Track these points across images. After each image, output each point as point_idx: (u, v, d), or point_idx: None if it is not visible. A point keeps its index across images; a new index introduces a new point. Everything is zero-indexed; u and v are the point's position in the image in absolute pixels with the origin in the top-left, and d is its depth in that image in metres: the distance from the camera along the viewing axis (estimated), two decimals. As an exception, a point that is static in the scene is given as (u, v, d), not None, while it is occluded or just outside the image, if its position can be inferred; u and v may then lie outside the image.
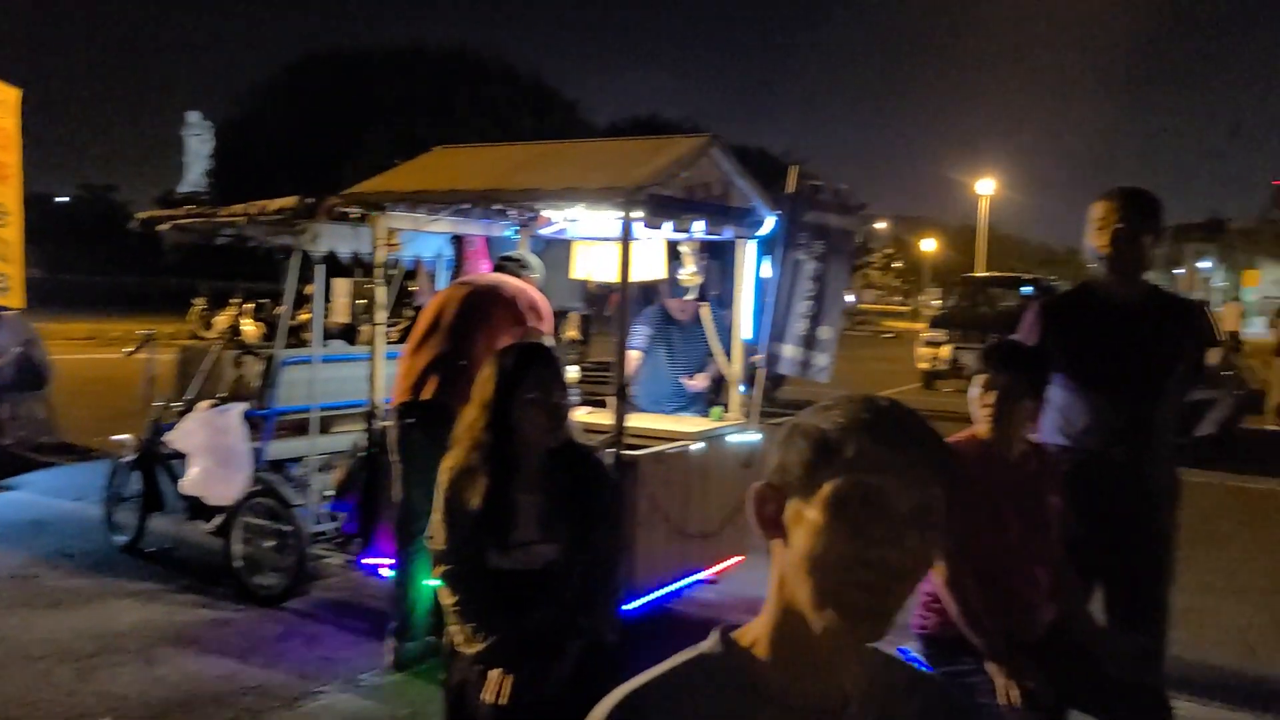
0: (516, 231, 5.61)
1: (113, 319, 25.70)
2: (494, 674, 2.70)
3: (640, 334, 5.56)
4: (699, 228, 4.92)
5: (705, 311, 5.62)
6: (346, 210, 5.22)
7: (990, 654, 2.75)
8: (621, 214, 4.28)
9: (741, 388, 5.32)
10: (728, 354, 5.46)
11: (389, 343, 5.24)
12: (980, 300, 18.26)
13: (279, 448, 5.50)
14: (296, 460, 5.58)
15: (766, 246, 5.22)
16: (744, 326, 5.30)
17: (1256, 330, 28.45)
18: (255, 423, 5.38)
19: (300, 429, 5.53)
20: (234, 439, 5.25)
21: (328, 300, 5.87)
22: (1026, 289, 17.44)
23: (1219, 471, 9.35)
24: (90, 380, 13.43)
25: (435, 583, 2.97)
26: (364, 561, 4.97)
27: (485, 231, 5.67)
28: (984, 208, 44.32)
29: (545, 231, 5.54)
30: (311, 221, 5.30)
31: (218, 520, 5.44)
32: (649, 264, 5.49)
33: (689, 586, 4.86)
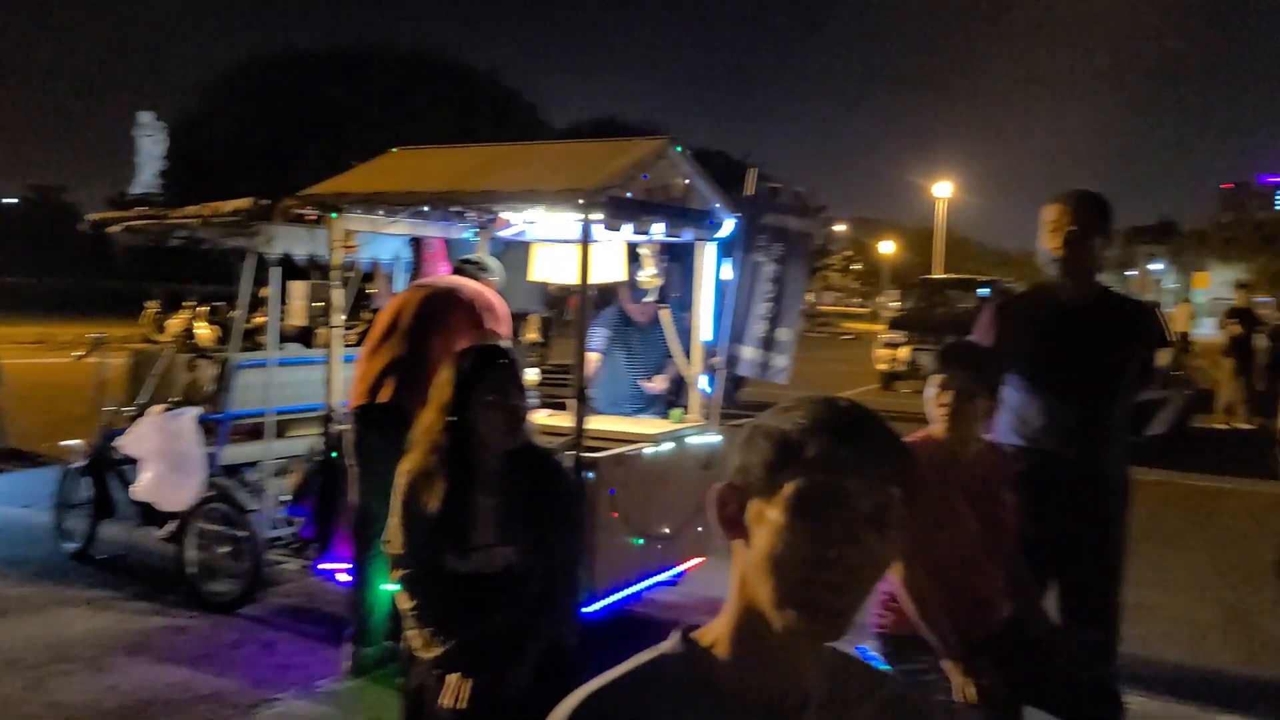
0: (475, 233, 5.58)
1: (62, 322, 25.21)
2: (452, 678, 2.69)
3: (598, 336, 5.55)
4: (658, 230, 4.92)
5: (665, 313, 5.63)
6: (302, 212, 5.16)
7: (946, 652, 2.78)
8: (581, 216, 4.27)
9: (708, 385, 5.31)
10: (688, 356, 5.46)
11: (347, 345, 5.20)
12: (938, 302, 18.42)
13: (234, 452, 5.43)
14: (252, 465, 5.51)
15: (726, 249, 5.24)
16: (704, 328, 5.31)
17: (1206, 331, 29.01)
18: (209, 427, 5.31)
19: (255, 433, 5.47)
20: (187, 444, 5.17)
21: (284, 303, 5.81)
22: (983, 290, 17.64)
23: (1170, 470, 9.52)
24: (39, 385, 13.17)
25: (393, 587, 2.94)
26: (321, 567, 4.91)
27: (444, 233, 5.64)
28: (941, 210, 44.87)
29: (504, 233, 5.52)
30: (266, 223, 5.24)
31: (171, 526, 5.36)
32: (608, 266, 5.49)
33: (650, 588, 4.86)
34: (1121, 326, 3.42)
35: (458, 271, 4.88)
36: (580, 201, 4.22)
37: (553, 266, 5.65)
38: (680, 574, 5.06)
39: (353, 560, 4.50)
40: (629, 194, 4.63)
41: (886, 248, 66.49)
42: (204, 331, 6.13)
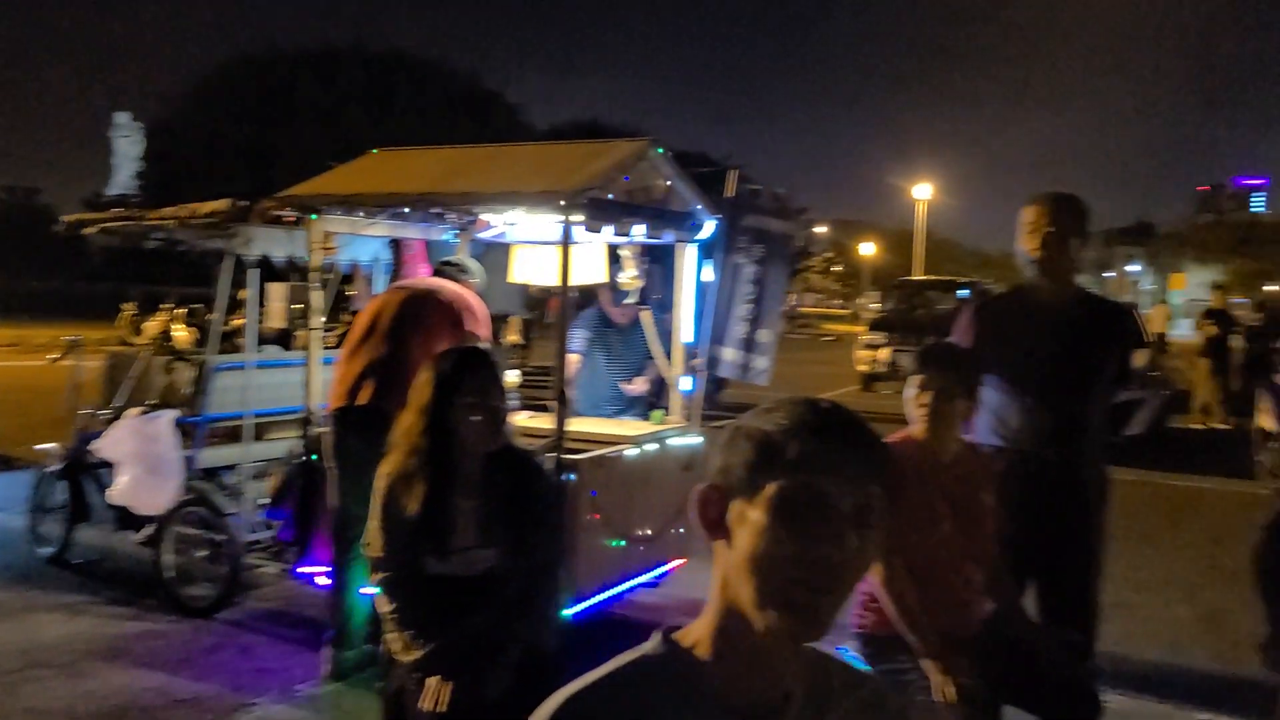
0: (455, 235, 5.57)
1: (37, 325, 24.98)
2: (432, 681, 2.68)
3: (577, 337, 5.54)
4: (639, 231, 4.92)
5: (645, 315, 5.63)
6: (281, 213, 5.13)
7: (926, 651, 2.79)
8: (561, 218, 4.27)
9: (690, 385, 5.29)
10: (669, 358, 5.46)
11: (327, 348, 5.17)
12: (918, 303, 18.50)
13: (211, 455, 5.39)
14: (230, 468, 5.47)
15: (707, 250, 5.24)
16: (685, 330, 5.31)
17: (1183, 332, 29.25)
18: (187, 430, 5.27)
19: (234, 436, 5.44)
20: (164, 447, 5.13)
21: (262, 305, 5.77)
22: (963, 292, 17.73)
23: (1147, 470, 9.59)
24: (13, 388, 13.05)
25: (372, 590, 2.93)
26: (300, 570, 4.88)
27: (424, 235, 5.62)
28: (921, 212, 45.12)
29: (485, 235, 5.51)
30: (244, 225, 5.21)
31: (148, 530, 5.31)
32: (589, 268, 5.48)
33: (631, 590, 4.85)
34: (1099, 328, 3.44)
35: (438, 273, 4.86)
36: (560, 203, 4.22)
37: (533, 268, 5.64)
38: (661, 575, 5.05)
39: (332, 563, 4.48)
40: (609, 196, 4.62)
41: (867, 249, 66.74)
42: (181, 334, 6.10)
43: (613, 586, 4.63)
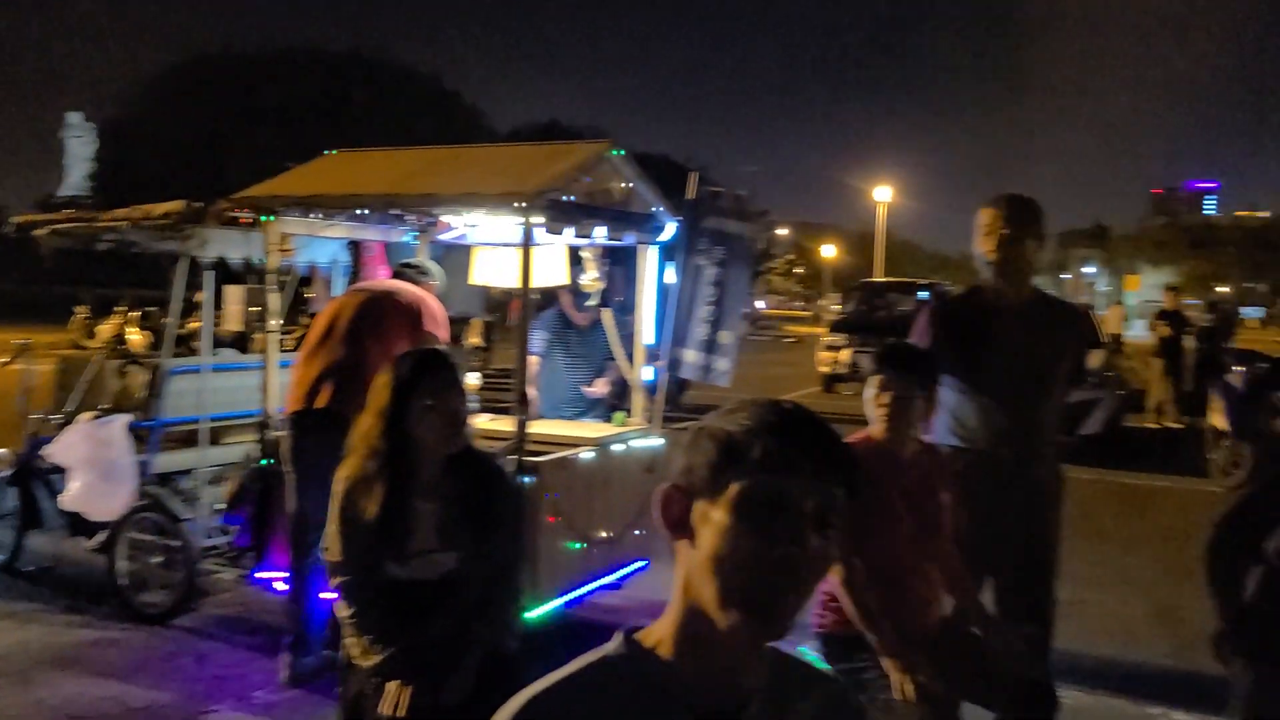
0: (415, 237, 5.53)
1: (-11, 328, 24.53)
2: (391, 686, 2.66)
3: (536, 339, 5.52)
4: (600, 233, 4.92)
5: (606, 315, 5.62)
6: (237, 215, 5.07)
7: (885, 650, 2.81)
8: (522, 219, 4.25)
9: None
10: (630, 360, 5.46)
11: (284, 350, 5.12)
12: (878, 305, 18.62)
13: (166, 460, 5.32)
14: (185, 473, 5.40)
15: (669, 252, 5.25)
16: (647, 331, 5.31)
17: (1138, 333, 29.68)
18: (140, 434, 5.19)
19: (189, 440, 5.36)
20: (117, 452, 5.05)
21: (219, 308, 5.70)
22: (923, 293, 17.88)
23: (1103, 468, 9.73)
24: (-36, 393, 12.78)
25: (331, 595, 2.90)
26: (257, 576, 4.83)
27: (383, 237, 5.58)
28: (881, 214, 45.47)
29: (445, 237, 5.48)
30: (199, 226, 5.14)
31: (101, 537, 5.22)
32: (550, 269, 5.47)
33: (593, 592, 4.85)
34: (1055, 328, 3.49)
35: (397, 275, 4.83)
36: (521, 205, 4.20)
37: (494, 270, 5.61)
38: (624, 577, 5.05)
39: (290, 569, 4.43)
40: (570, 198, 4.62)
41: (828, 251, 67.17)
42: (136, 337, 6.00)
43: (574, 589, 4.62)
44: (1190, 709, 4.33)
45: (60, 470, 5.25)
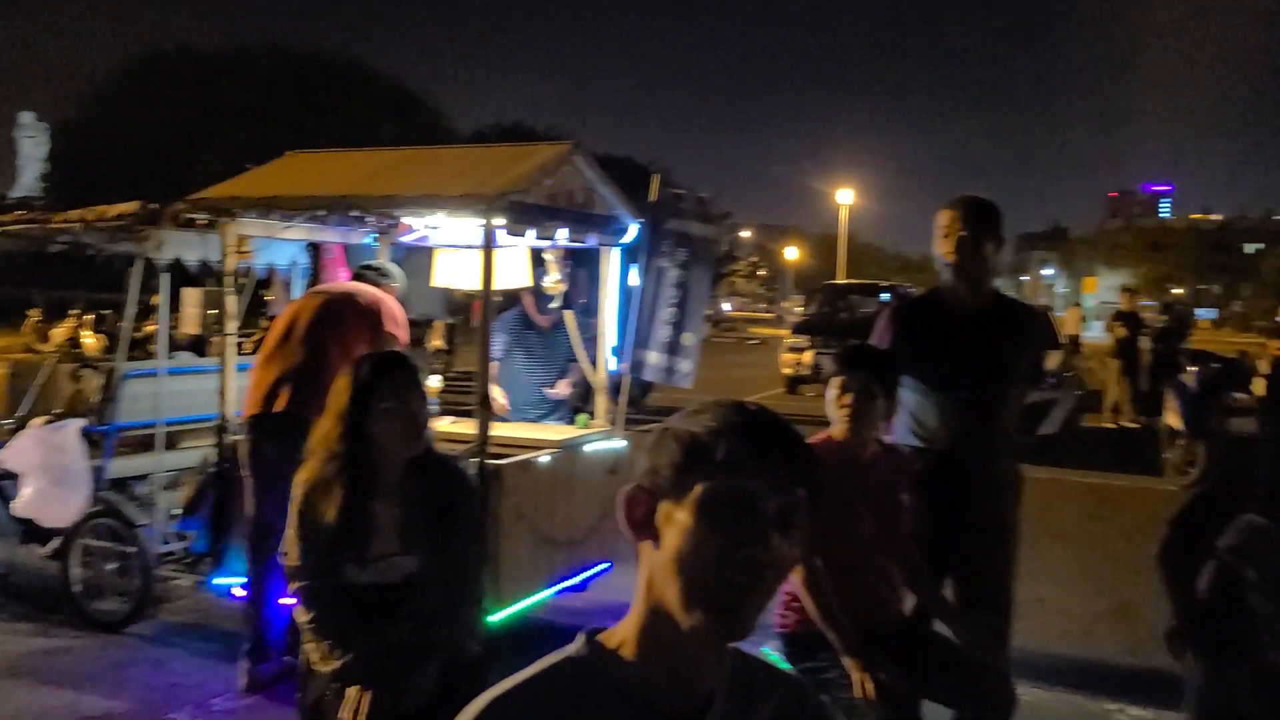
0: (375, 239, 5.49)
1: (-61, 332, 24.05)
2: (351, 691, 2.63)
3: (496, 343, 5.49)
4: (562, 235, 4.91)
5: (569, 318, 5.60)
6: (194, 216, 5.01)
7: (846, 649, 2.82)
8: (483, 221, 4.23)
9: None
10: (593, 362, 5.45)
11: (243, 354, 5.06)
12: (841, 307, 18.75)
13: (121, 465, 5.23)
14: (141, 478, 5.32)
15: (632, 254, 5.25)
16: (609, 333, 5.31)
17: (1095, 334, 30.13)
18: (95, 439, 5.11)
19: (145, 445, 5.28)
20: (71, 457, 4.97)
21: (175, 310, 5.62)
22: (885, 295, 18.02)
23: (1061, 467, 9.85)
24: (-87, 398, 12.52)
25: (290, 600, 2.87)
26: (215, 582, 4.77)
27: (342, 239, 5.53)
28: (844, 217, 45.87)
29: (406, 239, 5.44)
30: (155, 228, 5.07)
31: (54, 543, 5.14)
32: (513, 272, 5.45)
33: (556, 595, 4.83)
34: (1013, 330, 3.52)
35: (357, 277, 4.79)
36: (482, 207, 4.18)
37: (456, 272, 5.58)
38: (587, 580, 5.04)
39: (248, 574, 4.39)
40: (532, 199, 4.60)
41: (791, 254, 67.58)
42: (90, 340, 5.92)
43: (537, 592, 4.61)
44: (1146, 705, 4.39)
45: (12, 476, 5.15)
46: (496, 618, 4.20)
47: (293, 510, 2.82)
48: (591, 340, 5.45)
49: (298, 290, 5.87)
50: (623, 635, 1.19)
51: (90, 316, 6.23)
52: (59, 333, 6.15)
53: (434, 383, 5.03)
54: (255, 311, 6.54)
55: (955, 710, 3.01)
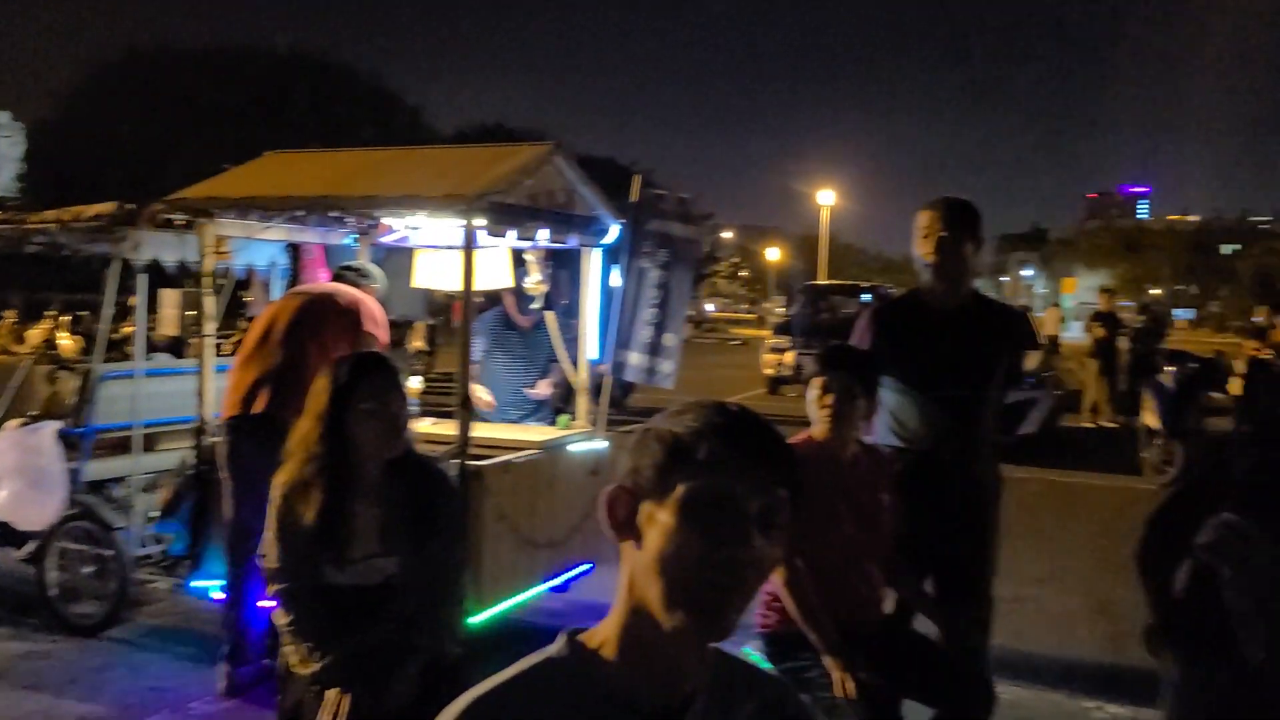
0: (356, 239, 5.46)
1: (-86, 333, 23.78)
2: (331, 694, 2.62)
3: (476, 345, 5.47)
4: (543, 236, 4.90)
5: (550, 318, 5.59)
6: (171, 217, 4.97)
7: (826, 649, 2.83)
8: (464, 222, 4.22)
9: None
10: (575, 363, 5.44)
11: (222, 355, 5.03)
12: (822, 307, 18.80)
13: (98, 468, 5.19)
14: (118, 480, 5.27)
15: (614, 255, 5.24)
16: (591, 334, 5.30)
17: (1074, 334, 30.30)
18: (71, 441, 5.06)
19: (122, 447, 5.24)
20: (47, 459, 4.92)
21: (153, 311, 5.58)
22: (866, 296, 18.09)
23: (1040, 467, 9.89)
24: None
25: (269, 603, 2.85)
26: (193, 584, 4.74)
27: (322, 239, 5.50)
28: (825, 218, 45.93)
29: (386, 239, 5.41)
30: (132, 229, 5.03)
31: (30, 547, 5.09)
32: (493, 272, 5.43)
33: (537, 596, 4.82)
34: (992, 330, 3.53)
35: (337, 278, 4.77)
36: (462, 207, 4.17)
37: (436, 273, 5.56)
38: (569, 581, 5.03)
39: (227, 577, 4.36)
40: (512, 200, 4.59)
41: (773, 255, 67.72)
42: (66, 342, 5.86)
43: (519, 593, 4.60)
44: (1125, 702, 4.42)
45: (-12, 479, 5.09)
46: (478, 619, 4.19)
47: (271, 512, 2.80)
48: (573, 341, 5.45)
49: (277, 291, 5.84)
50: (604, 635, 1.19)
51: (67, 318, 6.17)
52: (35, 334, 6.09)
53: (414, 384, 5.01)
54: (234, 313, 6.51)
55: (935, 709, 3.02)
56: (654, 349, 5.19)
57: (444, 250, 5.42)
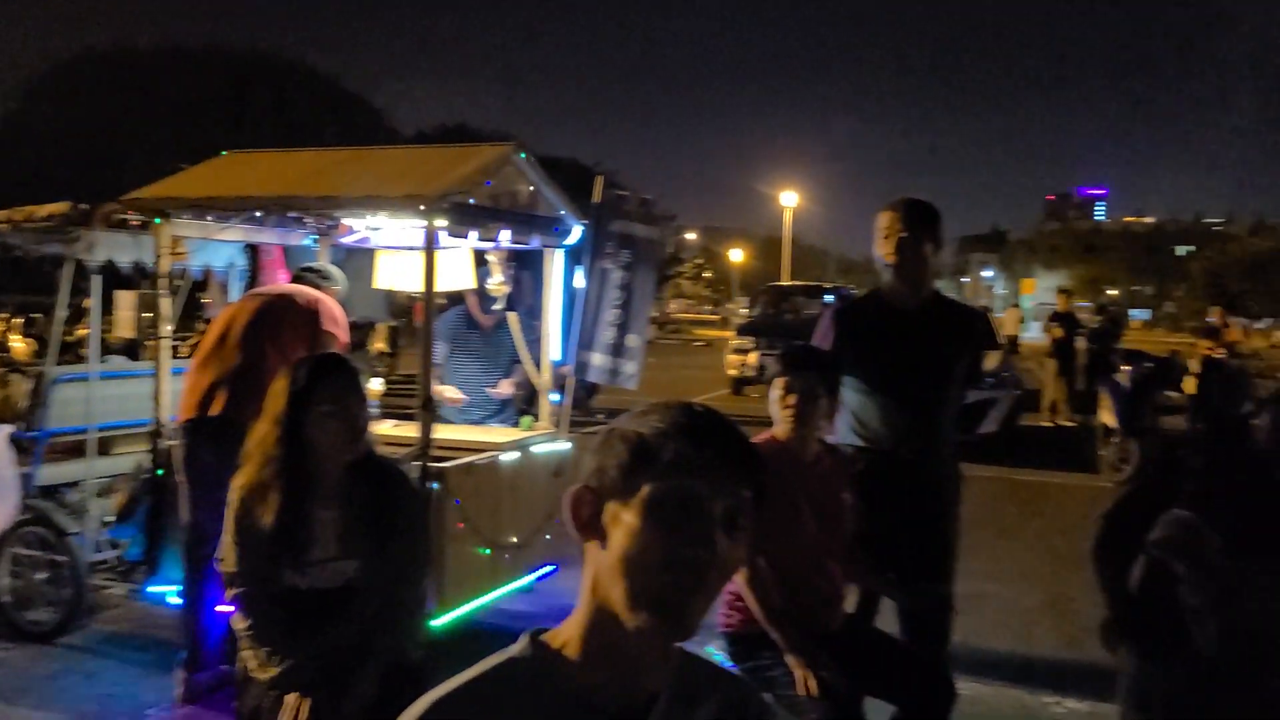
0: (316, 240, 5.41)
1: None
2: (290, 699, 2.59)
3: (438, 349, 5.43)
4: (505, 237, 4.88)
5: (513, 319, 5.57)
6: (126, 217, 4.90)
7: (789, 648, 2.84)
8: (425, 222, 4.19)
9: (556, 398, 5.28)
10: (537, 364, 5.42)
11: (179, 357, 4.95)
12: (786, 308, 18.90)
13: (52, 472, 5.09)
14: (73, 485, 5.18)
15: (576, 256, 5.23)
16: (554, 335, 5.28)
17: (1033, 334, 30.67)
18: (24, 445, 4.96)
19: (76, 451, 5.14)
20: (-1, 464, 4.82)
21: (108, 313, 5.49)
22: (828, 297, 18.20)
23: (1000, 465, 10.01)
24: None
25: (227, 608, 2.82)
26: (150, 590, 4.67)
27: (281, 240, 5.44)
28: (788, 219, 46.17)
29: (346, 240, 5.37)
30: (86, 229, 4.94)
31: (-19, 553, 4.98)
32: (455, 273, 5.39)
33: (501, 598, 4.80)
34: (952, 330, 3.56)
35: (297, 279, 4.72)
36: (423, 208, 4.15)
37: (398, 274, 5.51)
38: (532, 583, 5.01)
39: (184, 582, 4.30)
40: (473, 200, 4.57)
41: (736, 256, 67.90)
42: (19, 344, 5.77)
43: (481, 595, 4.57)
44: (1082, 697, 4.47)
45: (-63, 484, 4.99)
46: (441, 621, 4.17)
47: (229, 515, 2.77)
48: (536, 342, 5.43)
49: (236, 293, 5.77)
50: (567, 635, 1.19)
51: (19, 320, 6.07)
52: (-14, 336, 5.97)
53: (376, 386, 4.97)
54: (191, 315, 6.42)
55: (896, 706, 3.04)
56: (617, 350, 5.19)
57: (405, 251, 5.38)
